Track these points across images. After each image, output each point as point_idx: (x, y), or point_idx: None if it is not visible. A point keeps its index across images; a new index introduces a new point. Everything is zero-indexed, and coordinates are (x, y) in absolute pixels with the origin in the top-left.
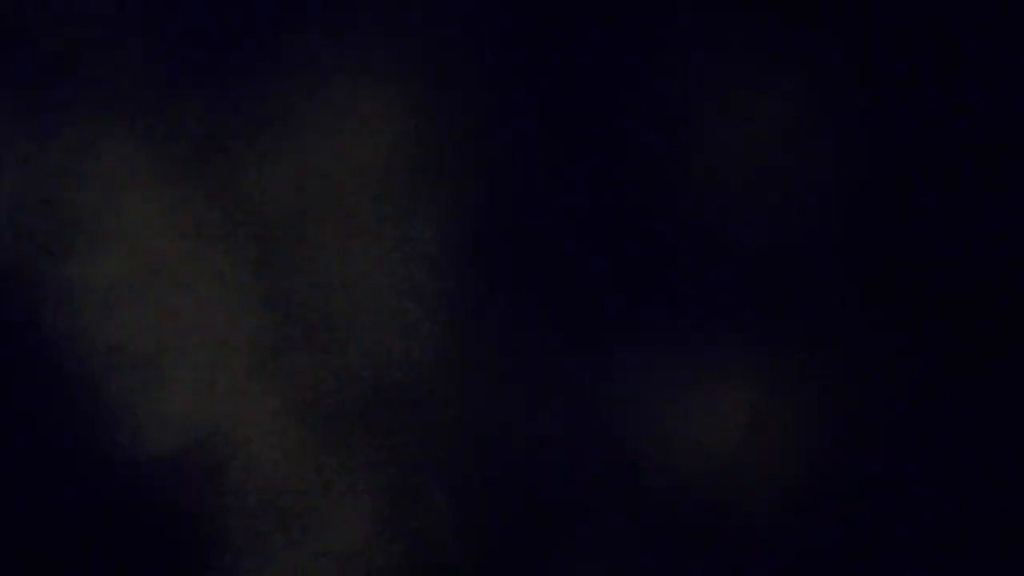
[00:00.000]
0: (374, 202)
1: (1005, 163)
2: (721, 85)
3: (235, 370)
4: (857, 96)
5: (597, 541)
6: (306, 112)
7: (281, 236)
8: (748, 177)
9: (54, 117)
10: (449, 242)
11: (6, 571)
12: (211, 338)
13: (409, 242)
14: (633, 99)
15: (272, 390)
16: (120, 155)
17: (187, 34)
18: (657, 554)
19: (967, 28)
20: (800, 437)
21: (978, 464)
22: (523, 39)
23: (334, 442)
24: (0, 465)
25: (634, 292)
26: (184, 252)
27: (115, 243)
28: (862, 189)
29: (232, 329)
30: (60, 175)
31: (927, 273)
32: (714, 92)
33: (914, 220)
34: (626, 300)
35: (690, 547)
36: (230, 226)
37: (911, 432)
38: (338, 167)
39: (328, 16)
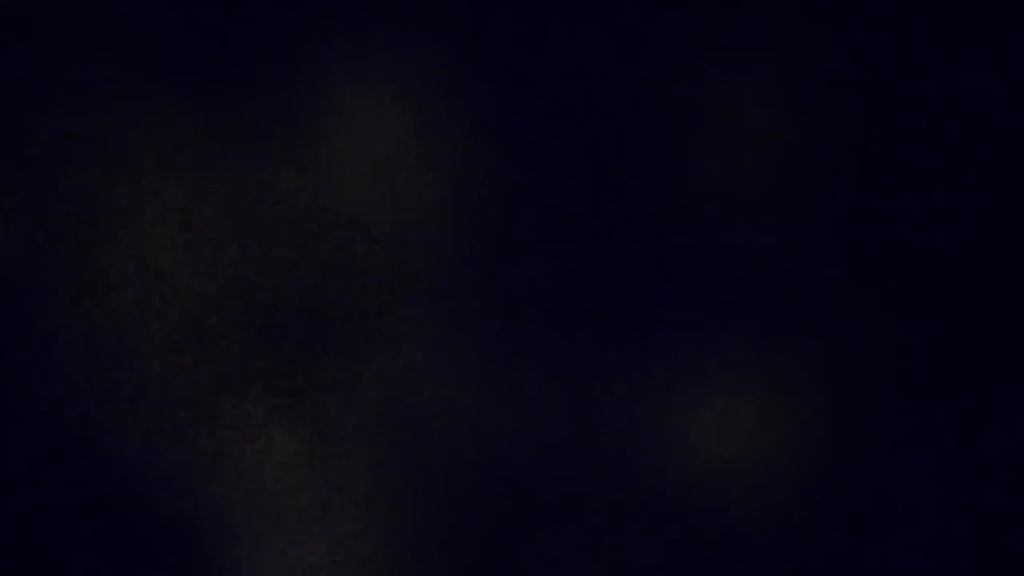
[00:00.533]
0: (374, 202)
1: (1005, 163)
2: (721, 85)
3: (236, 369)
4: (857, 96)
5: (596, 541)
6: (308, 113)
7: (282, 236)
8: (749, 177)
9: (59, 116)
10: (449, 241)
11: (6, 571)
12: (211, 338)
13: (409, 242)
14: (633, 99)
15: (273, 390)
16: (122, 156)
17: (190, 35)
18: (656, 554)
19: (967, 28)
20: (800, 437)
21: (978, 464)
22: (523, 39)
23: (335, 443)
24: (0, 465)
25: (634, 292)
26: (187, 252)
27: (115, 244)
28: (863, 189)
29: (233, 328)
30: (63, 175)
31: (927, 273)
32: (715, 92)
33: (914, 220)
34: (626, 300)
35: (689, 547)
36: (233, 226)
37: (911, 432)
38: (339, 168)
39: (330, 18)
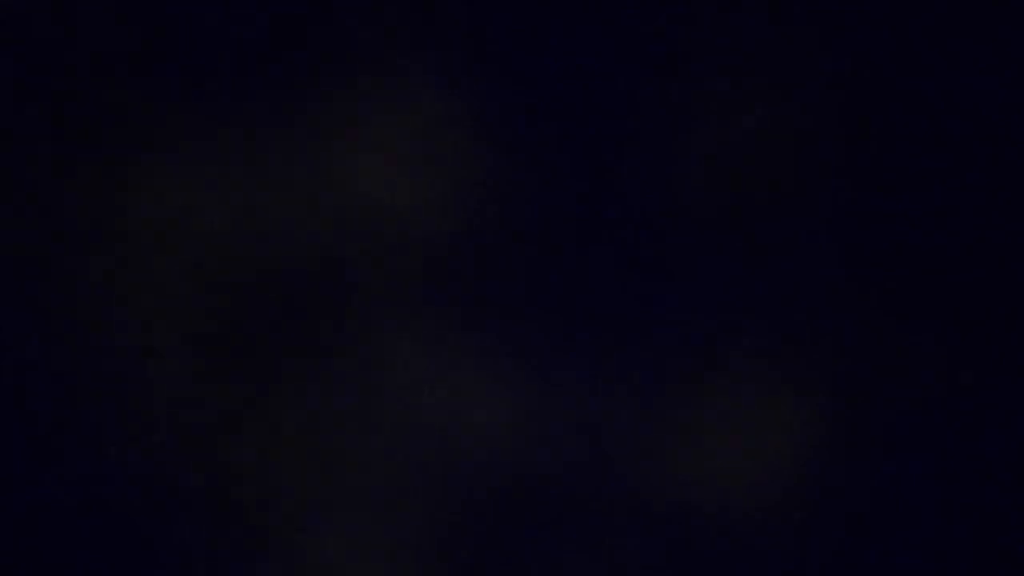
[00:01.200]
0: (374, 202)
1: (1005, 163)
2: (721, 85)
3: (235, 369)
4: (857, 96)
5: (596, 541)
6: (306, 114)
7: (281, 236)
8: (749, 177)
9: (60, 116)
10: (449, 241)
11: (6, 571)
12: (210, 339)
13: (409, 242)
14: (633, 99)
15: (271, 390)
16: (122, 156)
17: (190, 34)
18: (656, 554)
19: (967, 28)
20: (800, 437)
21: (978, 464)
22: (523, 39)
23: (335, 443)
24: (0, 465)
25: (634, 292)
26: (184, 253)
27: (114, 245)
28: (863, 189)
29: (232, 329)
30: (69, 176)
31: (927, 273)
32: (715, 92)
33: (914, 220)
34: (626, 300)
35: (689, 547)
36: (231, 227)
37: (911, 432)
38: (339, 168)
39: (330, 17)
